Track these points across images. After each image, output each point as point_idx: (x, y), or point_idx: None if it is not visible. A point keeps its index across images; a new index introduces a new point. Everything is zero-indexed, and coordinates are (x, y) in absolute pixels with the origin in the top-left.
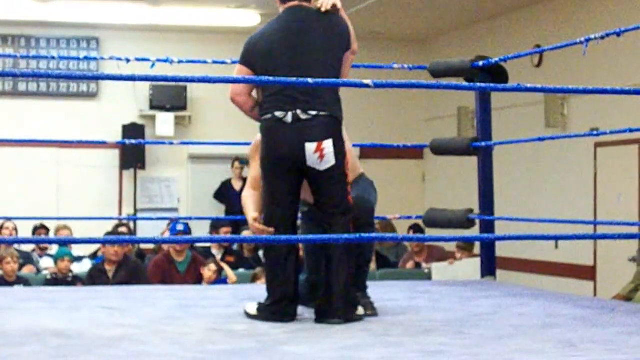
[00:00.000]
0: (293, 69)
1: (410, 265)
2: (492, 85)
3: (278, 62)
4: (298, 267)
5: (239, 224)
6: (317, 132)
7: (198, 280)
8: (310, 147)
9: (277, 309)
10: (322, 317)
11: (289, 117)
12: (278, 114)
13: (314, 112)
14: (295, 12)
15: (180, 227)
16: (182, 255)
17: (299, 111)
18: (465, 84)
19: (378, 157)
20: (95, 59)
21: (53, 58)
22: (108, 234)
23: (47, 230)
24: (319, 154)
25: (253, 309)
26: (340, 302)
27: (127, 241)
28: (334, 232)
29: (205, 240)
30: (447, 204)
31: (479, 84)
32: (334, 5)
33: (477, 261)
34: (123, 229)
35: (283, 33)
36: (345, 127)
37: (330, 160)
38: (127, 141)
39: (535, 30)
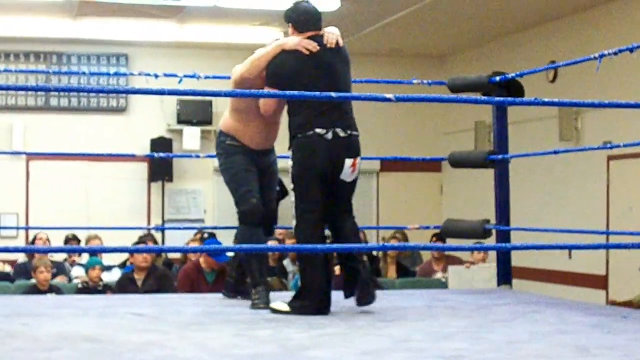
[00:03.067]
0: (323, 89)
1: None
2: (509, 99)
3: (309, 82)
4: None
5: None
6: (353, 150)
7: None
8: (348, 162)
9: (315, 302)
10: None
11: (330, 135)
12: (319, 131)
13: (349, 132)
14: (316, 39)
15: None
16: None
17: (338, 130)
18: (483, 98)
19: (397, 170)
20: (124, 74)
21: (84, 74)
22: (135, 244)
23: (79, 241)
24: (353, 169)
25: (284, 306)
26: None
27: (156, 250)
28: (346, 230)
29: (230, 250)
30: (465, 215)
31: (496, 98)
32: (337, 43)
33: (493, 266)
34: (149, 241)
35: (309, 57)
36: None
37: (357, 174)
38: (155, 155)
39: (550, 46)
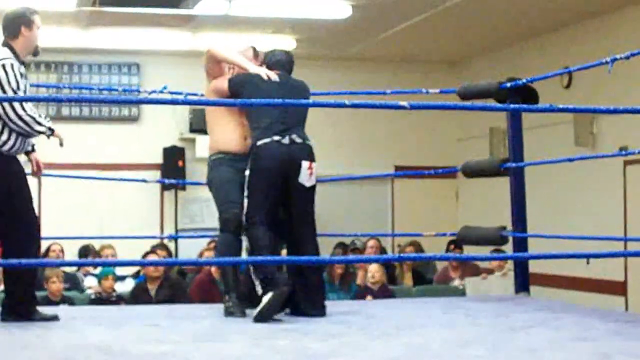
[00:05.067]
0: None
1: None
2: (523, 106)
3: (269, 95)
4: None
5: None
6: (308, 154)
7: None
8: (305, 164)
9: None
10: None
11: (287, 140)
12: (276, 137)
13: (305, 140)
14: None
15: None
16: None
17: (294, 136)
18: (497, 105)
19: (412, 177)
20: (137, 90)
21: (92, 89)
22: (146, 254)
23: (94, 252)
24: (309, 172)
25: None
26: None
27: (167, 263)
28: (305, 240)
29: (242, 262)
30: (481, 221)
31: (512, 105)
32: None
33: (509, 276)
34: (161, 251)
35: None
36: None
37: (314, 180)
38: (166, 181)
39: (563, 51)
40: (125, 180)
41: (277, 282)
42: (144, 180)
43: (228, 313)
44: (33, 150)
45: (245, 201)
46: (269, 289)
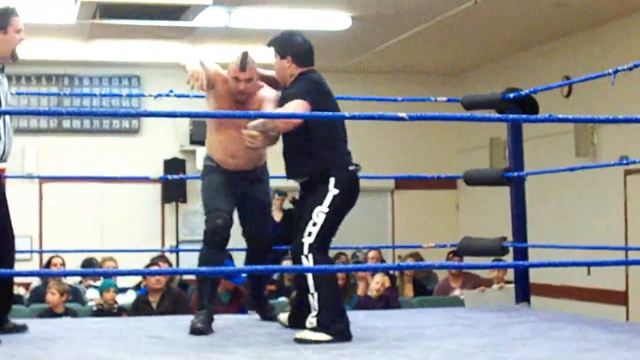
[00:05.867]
0: (341, 124)
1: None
2: (523, 116)
3: (335, 108)
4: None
5: (277, 254)
6: None
7: (241, 310)
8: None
9: (344, 326)
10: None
11: (359, 173)
12: (352, 168)
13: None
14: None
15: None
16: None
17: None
18: (497, 115)
19: (412, 188)
20: (138, 95)
21: (95, 95)
22: (147, 266)
23: (95, 264)
24: None
25: (322, 336)
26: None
27: (168, 273)
28: None
29: (243, 271)
30: (481, 232)
31: (511, 116)
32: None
33: (509, 288)
34: (162, 263)
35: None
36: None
37: None
38: (169, 176)
39: (564, 61)
40: (127, 178)
41: (339, 326)
42: (148, 178)
43: (194, 330)
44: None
45: (318, 225)
46: (329, 331)
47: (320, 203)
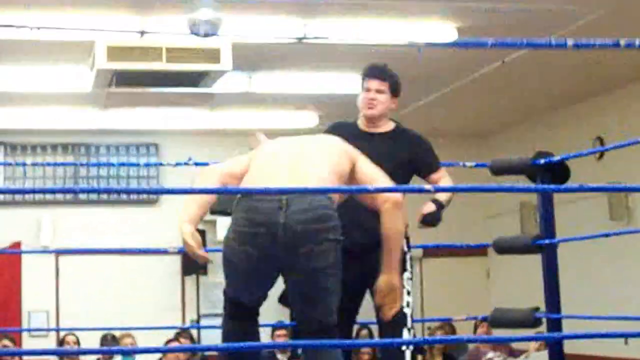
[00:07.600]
0: None
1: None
2: (553, 186)
3: None
4: None
5: None
6: None
7: None
8: None
9: None
10: None
11: None
12: None
13: None
14: None
15: None
16: None
17: None
18: (527, 186)
19: (442, 256)
20: (159, 164)
21: (112, 165)
22: (169, 341)
23: (115, 339)
24: None
25: None
26: None
27: (187, 349)
28: None
29: (264, 347)
30: (513, 301)
31: (541, 185)
32: None
33: (544, 355)
34: (184, 339)
35: None
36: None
37: None
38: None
39: (596, 121)
40: (145, 250)
41: None
42: (166, 250)
43: None
44: None
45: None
46: None
47: (405, 269)
